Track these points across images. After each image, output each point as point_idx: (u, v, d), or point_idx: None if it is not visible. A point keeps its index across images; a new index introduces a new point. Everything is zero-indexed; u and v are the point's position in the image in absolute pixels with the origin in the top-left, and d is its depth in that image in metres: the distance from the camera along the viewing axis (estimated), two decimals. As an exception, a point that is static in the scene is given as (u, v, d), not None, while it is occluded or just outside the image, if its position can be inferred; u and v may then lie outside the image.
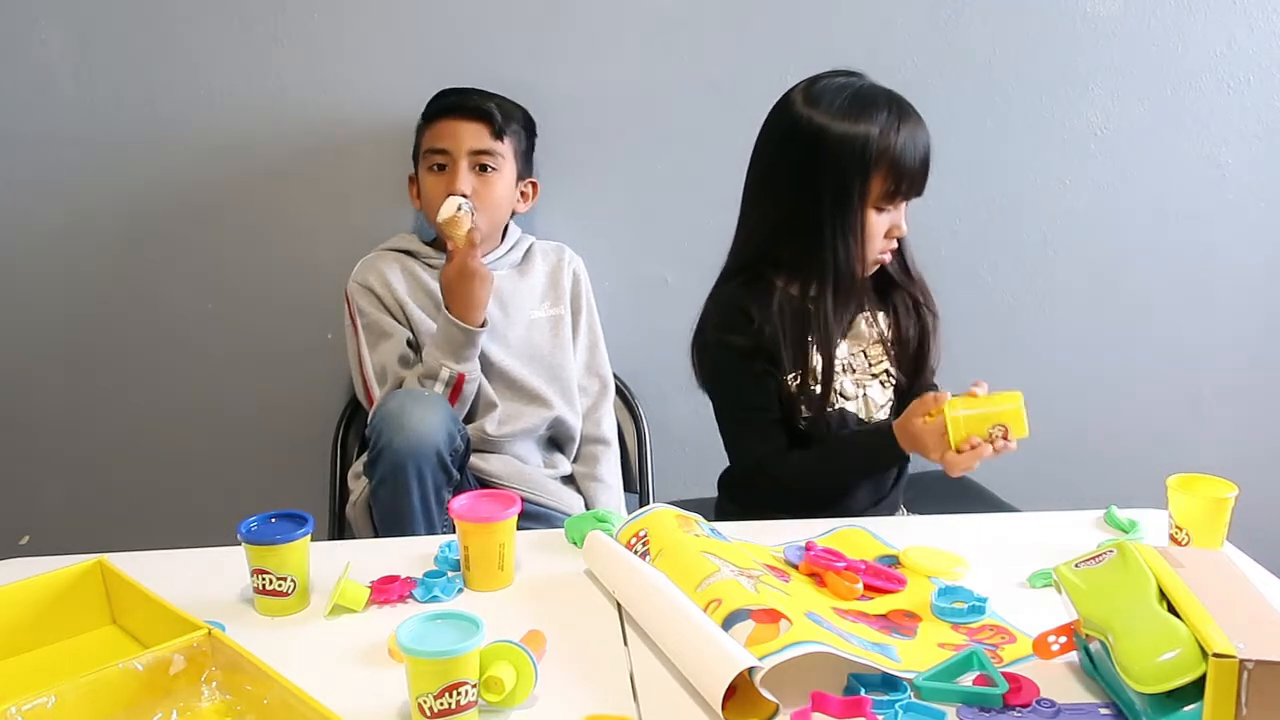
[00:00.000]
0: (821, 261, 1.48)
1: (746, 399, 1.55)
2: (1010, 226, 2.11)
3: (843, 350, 1.55)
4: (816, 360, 1.51)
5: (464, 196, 1.76)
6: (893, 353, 1.58)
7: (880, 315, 1.59)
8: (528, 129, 1.89)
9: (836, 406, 1.54)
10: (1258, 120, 2.09)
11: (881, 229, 1.49)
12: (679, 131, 1.99)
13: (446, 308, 1.71)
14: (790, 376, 1.51)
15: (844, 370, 1.55)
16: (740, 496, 1.62)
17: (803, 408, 1.51)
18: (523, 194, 1.90)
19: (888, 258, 1.54)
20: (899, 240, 1.54)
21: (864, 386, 1.56)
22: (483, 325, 1.73)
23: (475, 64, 1.92)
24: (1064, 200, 2.11)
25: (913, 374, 1.60)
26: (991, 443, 1.36)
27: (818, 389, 1.51)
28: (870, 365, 1.57)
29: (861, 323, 1.57)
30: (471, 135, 1.80)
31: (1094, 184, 2.10)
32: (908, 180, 1.46)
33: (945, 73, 2.02)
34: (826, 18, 1.97)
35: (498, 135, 1.81)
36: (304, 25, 1.90)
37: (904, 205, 1.51)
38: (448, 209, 1.72)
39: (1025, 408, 1.35)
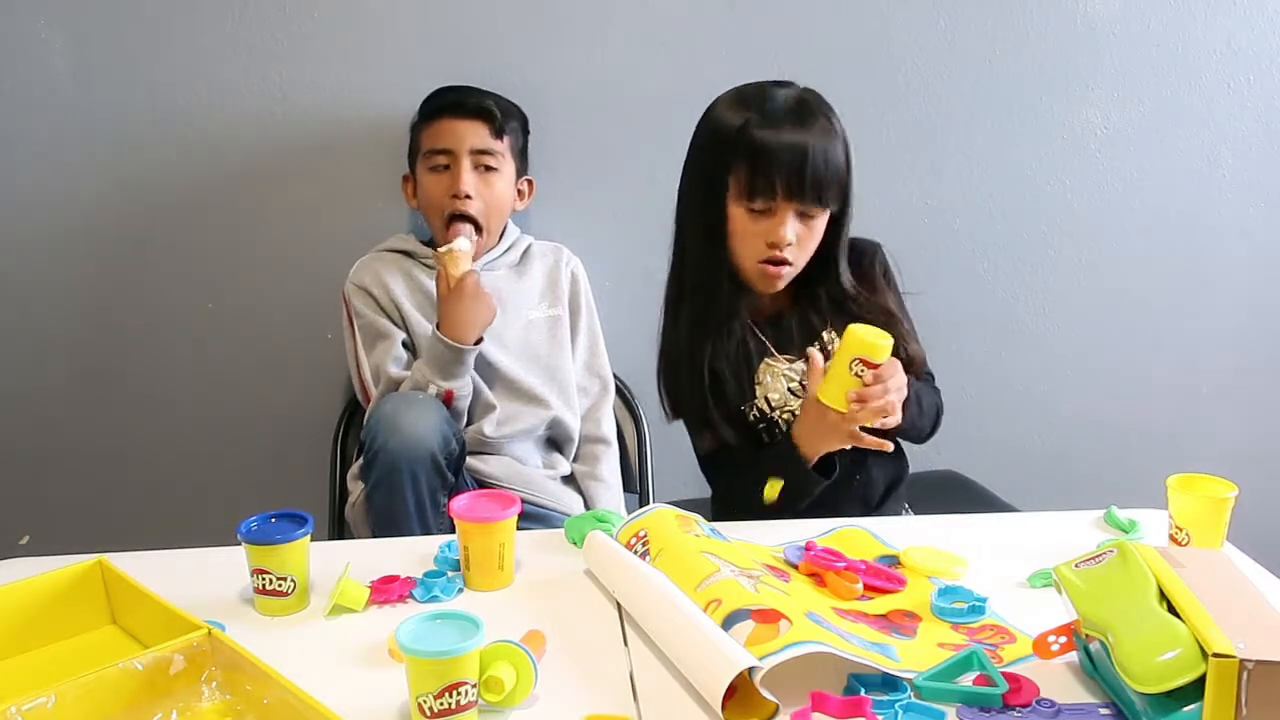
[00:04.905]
0: (703, 261, 1.45)
1: (699, 440, 1.56)
2: (1010, 226, 2.11)
3: (796, 372, 1.51)
4: (767, 385, 1.49)
5: (473, 223, 1.79)
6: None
7: (834, 335, 1.53)
8: (524, 127, 1.90)
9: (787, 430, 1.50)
10: (1258, 120, 2.10)
11: (749, 231, 1.43)
12: (679, 131, 1.97)
13: (438, 325, 1.71)
14: (743, 406, 1.49)
15: (794, 394, 1.51)
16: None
17: (763, 434, 1.50)
18: (519, 192, 1.90)
19: (776, 271, 1.45)
20: (835, 255, 1.48)
21: None
22: (477, 342, 1.71)
23: (474, 64, 1.92)
24: (1064, 200, 2.11)
25: None
26: (865, 382, 1.31)
27: (774, 414, 1.49)
28: None
29: (817, 345, 1.52)
30: (473, 134, 1.80)
31: (1094, 184, 2.10)
32: (767, 179, 1.38)
33: (945, 73, 2.02)
34: (827, 18, 1.97)
35: (498, 134, 1.81)
36: (303, 26, 1.90)
37: (790, 217, 1.41)
38: (458, 245, 1.72)
39: (863, 329, 1.32)
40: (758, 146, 1.38)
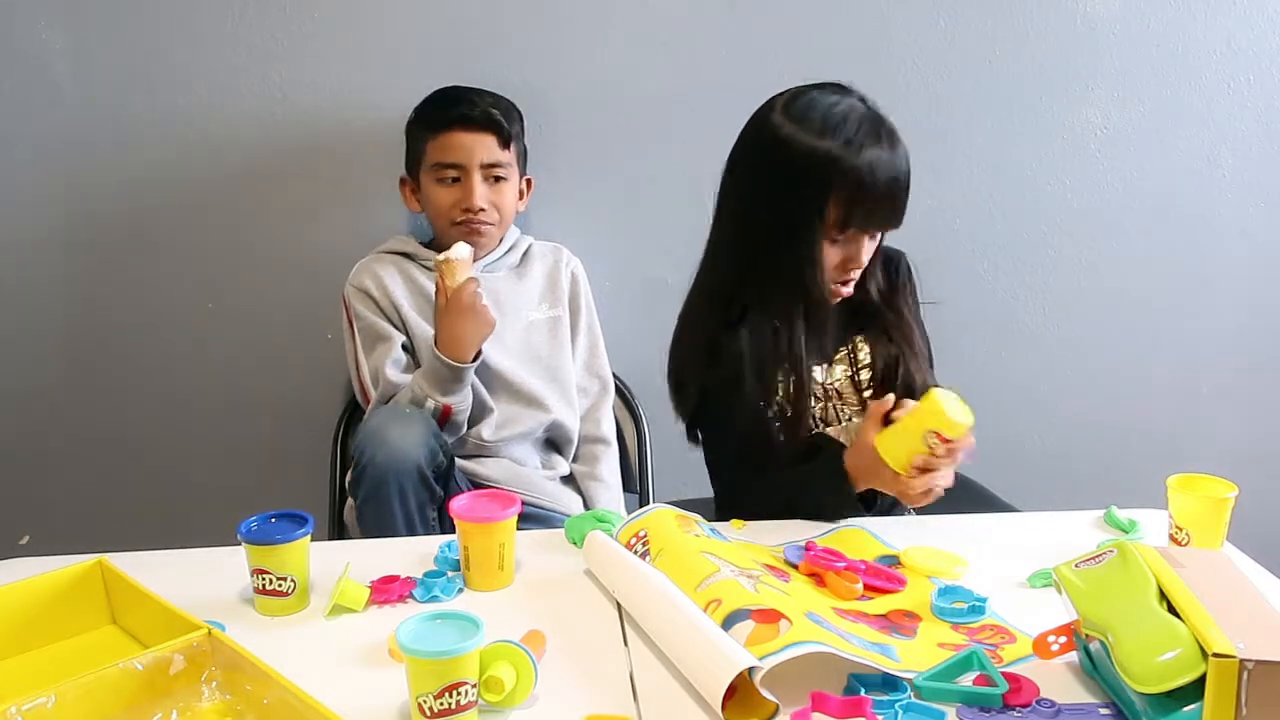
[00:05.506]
0: (788, 284, 1.42)
1: (715, 432, 1.55)
2: (1010, 226, 2.11)
3: (824, 376, 1.51)
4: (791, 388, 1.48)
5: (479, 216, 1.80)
6: (862, 380, 1.52)
7: (860, 340, 1.53)
8: (523, 128, 1.89)
9: (815, 431, 1.50)
10: (1258, 120, 2.09)
11: (831, 260, 1.41)
12: (679, 131, 1.99)
13: (436, 342, 1.71)
14: (764, 404, 1.47)
15: (828, 397, 1.51)
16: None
17: (781, 435, 1.49)
18: (520, 192, 1.90)
19: (847, 290, 1.46)
20: (870, 264, 1.47)
21: (847, 413, 1.52)
22: (475, 359, 1.72)
23: (474, 64, 1.92)
24: (1064, 200, 2.10)
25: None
26: (936, 454, 1.26)
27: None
28: (854, 392, 1.53)
29: (845, 349, 1.53)
30: (482, 148, 1.80)
31: (1094, 184, 2.10)
32: (864, 209, 1.36)
33: (945, 73, 2.02)
34: (827, 18, 1.97)
35: (505, 144, 1.82)
36: (303, 26, 1.90)
37: (866, 239, 1.41)
38: (456, 252, 1.72)
39: (945, 399, 1.25)
40: (855, 178, 1.34)
